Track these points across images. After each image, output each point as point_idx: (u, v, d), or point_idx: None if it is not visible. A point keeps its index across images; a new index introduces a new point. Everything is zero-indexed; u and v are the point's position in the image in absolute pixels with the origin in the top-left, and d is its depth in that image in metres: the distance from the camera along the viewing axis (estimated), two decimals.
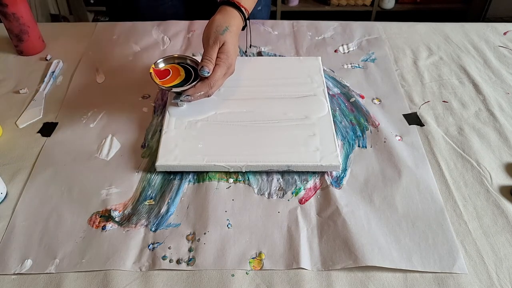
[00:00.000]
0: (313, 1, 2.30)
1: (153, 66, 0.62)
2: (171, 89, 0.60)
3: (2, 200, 0.53)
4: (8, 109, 0.67)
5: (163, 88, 0.60)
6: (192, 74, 0.62)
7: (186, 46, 0.82)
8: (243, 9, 0.65)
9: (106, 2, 1.00)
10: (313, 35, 0.85)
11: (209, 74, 0.59)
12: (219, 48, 0.61)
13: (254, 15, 0.94)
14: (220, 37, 0.61)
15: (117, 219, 0.52)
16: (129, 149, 0.61)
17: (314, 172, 0.57)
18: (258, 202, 0.54)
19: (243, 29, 0.68)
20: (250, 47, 0.81)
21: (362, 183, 0.56)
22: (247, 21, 0.68)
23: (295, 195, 0.55)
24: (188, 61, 0.63)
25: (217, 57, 0.61)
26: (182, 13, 0.93)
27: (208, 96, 0.62)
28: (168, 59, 0.63)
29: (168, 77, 0.61)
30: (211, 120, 0.62)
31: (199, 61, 0.61)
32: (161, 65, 0.63)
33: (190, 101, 0.61)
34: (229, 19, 0.63)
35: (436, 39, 0.84)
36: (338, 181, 0.56)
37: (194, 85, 0.60)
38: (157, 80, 0.60)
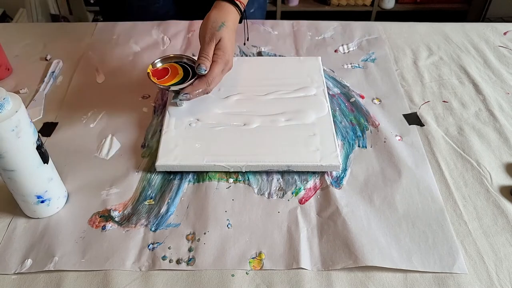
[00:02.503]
0: (313, 1, 2.30)
1: (151, 66, 0.62)
2: (169, 88, 0.60)
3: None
4: None
5: (161, 87, 0.60)
6: (190, 72, 0.62)
7: (186, 46, 0.82)
8: (238, 3, 0.65)
9: (100, 3, 1.00)
10: (313, 35, 0.85)
11: (206, 72, 0.59)
12: (216, 45, 0.61)
13: (247, 17, 0.94)
14: (216, 34, 0.60)
15: (117, 219, 0.52)
16: (129, 149, 0.61)
17: (314, 172, 0.57)
18: (258, 202, 0.54)
19: (240, 22, 0.67)
20: (248, 39, 0.80)
21: (362, 183, 0.56)
22: (243, 15, 0.67)
23: (295, 195, 0.55)
24: (185, 60, 0.63)
25: (214, 54, 0.60)
26: (173, 13, 0.93)
27: (207, 93, 0.62)
28: (165, 59, 0.63)
29: (167, 76, 0.61)
30: (211, 120, 0.62)
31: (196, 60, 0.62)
32: (159, 65, 0.63)
33: (189, 99, 0.61)
34: (225, 14, 0.63)
35: (436, 39, 0.84)
36: (338, 181, 0.56)
37: (192, 83, 0.60)
38: (155, 80, 0.60)
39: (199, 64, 0.59)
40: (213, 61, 0.60)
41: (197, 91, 0.60)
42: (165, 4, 0.91)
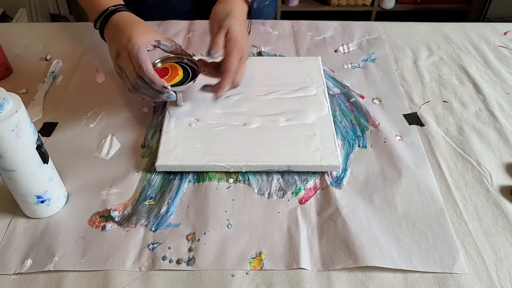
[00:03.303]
0: (313, 1, 2.30)
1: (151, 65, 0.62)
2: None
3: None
4: None
5: None
6: (190, 73, 0.62)
7: (186, 46, 0.82)
8: None
9: None
10: (313, 35, 0.85)
11: (218, 55, 0.59)
12: (226, 36, 0.61)
13: (261, 10, 0.94)
14: (224, 23, 0.61)
15: (117, 219, 0.52)
16: (129, 149, 0.61)
17: (314, 172, 0.57)
18: (258, 202, 0.54)
19: (249, 14, 0.67)
20: (249, 33, 0.80)
21: (362, 183, 0.56)
22: (251, 7, 0.67)
23: (295, 195, 0.55)
24: (185, 60, 0.63)
25: (226, 46, 0.60)
26: (190, 9, 0.93)
27: (236, 87, 0.62)
28: (165, 59, 0.63)
29: (167, 76, 0.61)
30: (211, 120, 0.62)
31: (197, 61, 0.62)
32: (159, 65, 0.63)
33: (217, 97, 0.62)
34: (230, 5, 0.63)
35: (436, 39, 0.83)
36: (338, 181, 0.56)
37: (193, 83, 0.60)
38: None
39: (210, 50, 0.59)
40: (227, 53, 0.60)
41: (225, 88, 0.60)
42: (181, 0, 0.91)
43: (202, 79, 0.63)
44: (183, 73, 0.62)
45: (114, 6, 0.62)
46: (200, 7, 0.93)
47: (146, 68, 0.55)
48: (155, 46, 0.60)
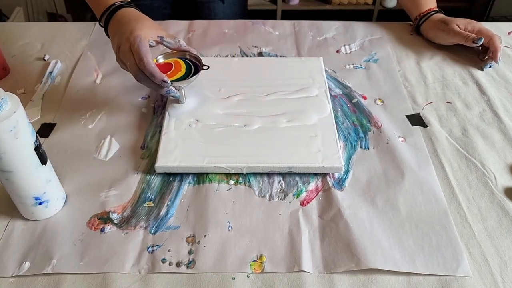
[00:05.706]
0: (314, 0, 2.30)
1: (154, 60, 0.61)
2: (172, 83, 0.59)
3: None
4: None
5: None
6: (192, 68, 0.61)
7: None
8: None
9: None
10: (314, 35, 0.84)
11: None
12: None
13: None
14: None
15: (116, 221, 0.51)
16: (128, 150, 0.60)
17: (315, 174, 0.56)
18: (259, 204, 0.53)
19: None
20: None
21: (364, 185, 0.55)
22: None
23: (297, 197, 0.54)
24: (188, 56, 0.63)
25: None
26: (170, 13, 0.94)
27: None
28: (168, 55, 0.63)
29: (170, 71, 0.61)
30: (212, 121, 0.61)
31: (199, 56, 0.62)
32: (161, 60, 0.63)
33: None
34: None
35: None
36: (340, 183, 0.55)
37: (195, 78, 0.60)
38: None
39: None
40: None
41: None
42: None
43: (205, 74, 0.63)
44: (186, 68, 0.61)
45: (121, 1, 0.63)
46: (180, 12, 0.93)
47: (146, 61, 0.55)
48: (158, 42, 0.60)
